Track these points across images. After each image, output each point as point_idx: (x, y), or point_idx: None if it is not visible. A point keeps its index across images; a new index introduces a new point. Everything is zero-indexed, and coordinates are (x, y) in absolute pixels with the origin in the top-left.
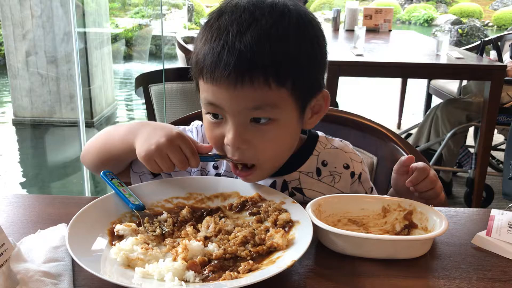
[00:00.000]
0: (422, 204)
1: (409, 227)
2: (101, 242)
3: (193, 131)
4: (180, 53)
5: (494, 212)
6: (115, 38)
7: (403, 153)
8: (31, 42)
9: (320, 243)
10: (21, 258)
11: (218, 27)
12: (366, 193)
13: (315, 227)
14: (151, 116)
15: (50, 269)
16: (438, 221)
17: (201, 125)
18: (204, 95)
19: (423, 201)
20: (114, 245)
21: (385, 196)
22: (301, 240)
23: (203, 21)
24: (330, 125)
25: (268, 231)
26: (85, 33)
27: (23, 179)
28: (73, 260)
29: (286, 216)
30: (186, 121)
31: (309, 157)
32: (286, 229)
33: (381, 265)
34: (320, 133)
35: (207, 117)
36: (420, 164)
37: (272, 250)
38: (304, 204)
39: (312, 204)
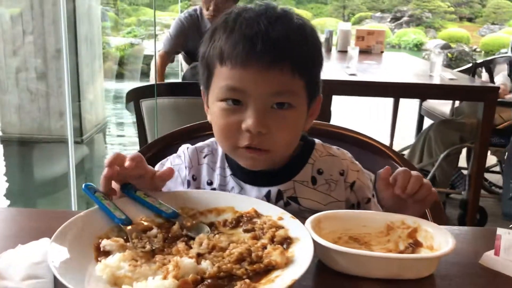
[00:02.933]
0: (427, 221)
1: (414, 245)
2: (86, 258)
3: (181, 155)
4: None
5: (500, 231)
6: (106, 57)
7: None
8: (21, 58)
9: (320, 262)
10: None
11: (244, 19)
12: (359, 202)
13: (316, 244)
14: (142, 131)
15: (29, 286)
16: (444, 240)
17: (187, 148)
18: (227, 82)
19: (419, 205)
20: (100, 261)
21: (388, 213)
22: (301, 258)
23: None
24: (327, 141)
25: (266, 248)
26: (76, 50)
27: (8, 196)
28: (55, 277)
29: (284, 232)
30: (176, 135)
31: (304, 166)
32: (285, 246)
33: (386, 286)
34: (317, 141)
35: (221, 105)
36: (398, 169)
37: (270, 268)
38: (299, 214)
39: (311, 221)
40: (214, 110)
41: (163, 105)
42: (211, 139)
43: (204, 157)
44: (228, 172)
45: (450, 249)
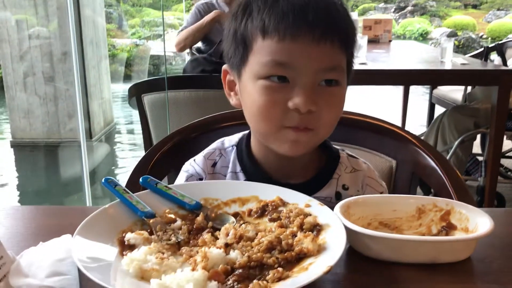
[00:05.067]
0: (461, 203)
1: (447, 228)
2: (110, 253)
3: (189, 170)
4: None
5: None
6: (112, 58)
7: (425, 155)
8: (28, 63)
9: (351, 248)
10: (21, 273)
11: None
12: None
13: (346, 230)
14: (145, 125)
15: (55, 283)
16: (481, 221)
17: (194, 160)
18: (272, 56)
19: None
20: (125, 255)
21: (418, 196)
22: (333, 244)
23: None
24: (346, 129)
25: (295, 236)
26: (82, 53)
27: (21, 200)
28: (80, 273)
29: (313, 219)
30: (194, 127)
31: (328, 181)
32: (315, 233)
33: (422, 270)
34: (341, 152)
35: (263, 83)
36: None
37: (301, 256)
38: None
39: (340, 207)
40: (250, 89)
41: (165, 99)
42: (219, 140)
43: (213, 165)
44: (242, 177)
45: (490, 230)
